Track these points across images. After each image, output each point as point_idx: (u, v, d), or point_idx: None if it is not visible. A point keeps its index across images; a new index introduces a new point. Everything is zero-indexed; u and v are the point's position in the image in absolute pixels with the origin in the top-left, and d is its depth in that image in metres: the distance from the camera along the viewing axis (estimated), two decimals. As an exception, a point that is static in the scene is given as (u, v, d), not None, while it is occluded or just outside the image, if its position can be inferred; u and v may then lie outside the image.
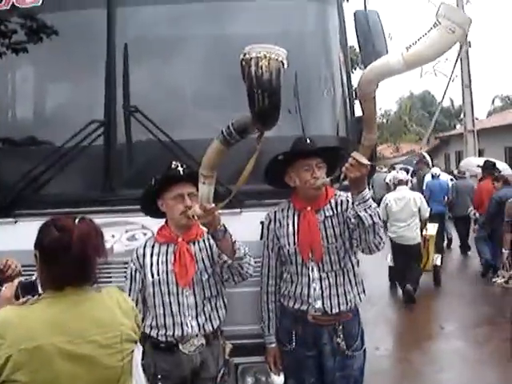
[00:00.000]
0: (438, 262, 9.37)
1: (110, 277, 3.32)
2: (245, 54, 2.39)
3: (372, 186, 18.60)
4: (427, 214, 8.55)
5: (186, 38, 3.63)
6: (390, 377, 5.59)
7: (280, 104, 2.45)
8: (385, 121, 48.22)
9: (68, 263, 1.95)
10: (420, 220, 8.34)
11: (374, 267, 10.26)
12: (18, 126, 3.80)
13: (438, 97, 49.56)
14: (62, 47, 3.57)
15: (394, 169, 17.58)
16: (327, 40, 3.70)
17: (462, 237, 12.07)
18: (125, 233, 3.37)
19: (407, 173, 11.63)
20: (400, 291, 8.58)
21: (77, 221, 2.04)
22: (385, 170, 19.27)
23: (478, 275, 9.94)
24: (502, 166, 11.41)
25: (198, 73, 3.65)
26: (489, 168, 10.23)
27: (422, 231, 8.57)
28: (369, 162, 2.65)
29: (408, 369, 5.78)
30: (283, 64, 2.41)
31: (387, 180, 17.14)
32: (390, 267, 9.26)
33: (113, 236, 3.36)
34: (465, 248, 12.08)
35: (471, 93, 17.25)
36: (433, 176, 11.80)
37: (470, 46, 16.90)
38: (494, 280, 9.07)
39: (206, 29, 3.61)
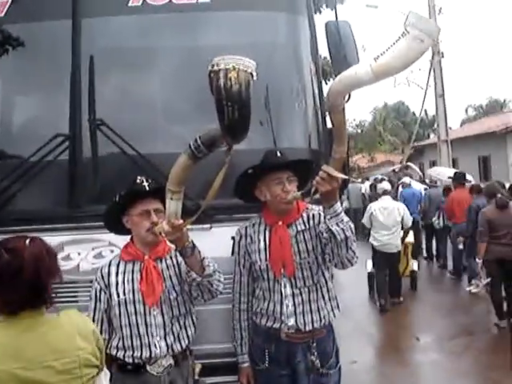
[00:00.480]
0: (415, 268, 9.71)
1: (77, 296, 3.23)
2: (213, 66, 2.33)
3: (347, 197, 18.69)
4: (410, 223, 8.82)
5: (153, 50, 3.55)
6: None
7: (250, 116, 2.40)
8: (359, 131, 48.64)
9: (20, 287, 1.87)
10: (402, 228, 8.65)
11: (351, 278, 10.40)
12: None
13: (411, 107, 50.20)
14: (26, 59, 3.48)
15: (367, 180, 17.66)
16: (298, 51, 3.65)
17: (430, 245, 12.62)
18: (91, 250, 3.27)
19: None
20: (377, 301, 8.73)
21: (27, 242, 1.94)
22: (359, 180, 19.38)
23: (454, 283, 10.02)
24: (469, 177, 11.63)
25: (166, 85, 3.57)
26: (460, 179, 10.47)
27: (403, 239, 8.93)
28: (340, 175, 2.58)
29: (385, 382, 5.71)
30: (252, 76, 2.36)
31: (363, 191, 17.29)
32: (369, 274, 9.54)
33: (79, 254, 3.27)
34: (436, 256, 12.49)
35: (444, 103, 17.39)
36: (403, 185, 12.01)
37: (442, 57, 17.02)
38: (468, 289, 9.25)
39: (174, 40, 3.56)
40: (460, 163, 22.02)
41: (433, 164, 23.49)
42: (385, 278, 8.76)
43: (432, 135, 39.31)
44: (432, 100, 17.90)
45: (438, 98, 17.16)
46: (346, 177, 2.63)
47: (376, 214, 8.62)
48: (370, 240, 8.77)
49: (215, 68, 2.31)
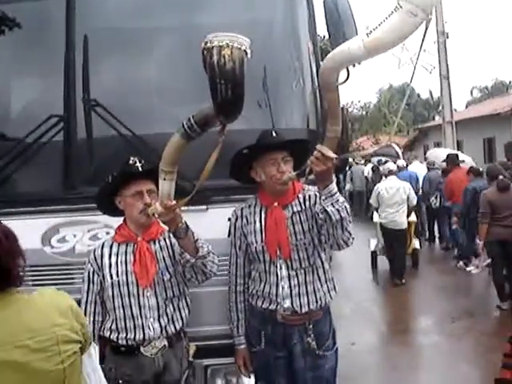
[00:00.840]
0: (417, 246, 10.11)
1: (73, 278, 3.22)
2: (206, 43, 2.28)
3: (351, 179, 18.67)
4: (415, 202, 9.26)
5: (148, 29, 3.49)
6: (367, 372, 5.51)
7: (243, 95, 2.35)
8: (364, 113, 48.43)
9: None
10: (408, 207, 9.07)
11: (353, 259, 10.57)
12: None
13: (417, 88, 49.83)
14: (20, 39, 3.44)
15: (370, 162, 17.57)
16: (295, 29, 3.59)
17: (431, 226, 12.71)
18: (87, 232, 3.25)
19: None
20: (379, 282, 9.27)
21: None
22: (362, 162, 19.28)
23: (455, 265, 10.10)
24: (467, 159, 11.83)
25: (161, 65, 3.53)
26: (453, 160, 10.67)
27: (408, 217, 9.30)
28: (334, 155, 2.54)
29: (385, 364, 5.71)
30: (246, 53, 2.30)
31: (365, 174, 17.22)
32: (372, 253, 10.04)
33: (74, 236, 3.26)
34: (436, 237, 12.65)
35: (449, 84, 17.22)
36: (399, 168, 11.80)
37: (447, 37, 16.87)
38: (468, 269, 9.52)
39: (169, 19, 3.50)
40: (465, 145, 21.90)
41: (437, 146, 23.38)
42: (393, 254, 9.30)
43: (437, 117, 39.08)
44: (437, 81, 17.76)
45: (442, 79, 17.01)
46: (342, 156, 2.58)
47: (383, 193, 9.05)
48: (379, 218, 9.31)
49: (208, 45, 2.26)
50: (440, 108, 23.12)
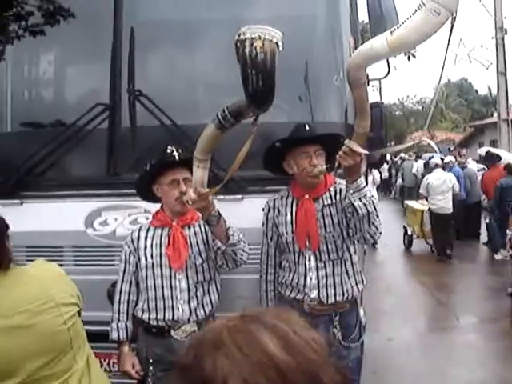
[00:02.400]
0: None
1: (113, 259, 3.34)
2: (239, 35, 2.34)
3: (402, 175, 18.46)
4: (457, 190, 10.77)
5: (193, 22, 3.59)
6: (402, 368, 5.51)
7: (274, 86, 2.40)
8: (420, 108, 47.51)
9: None
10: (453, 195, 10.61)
11: (393, 254, 11.05)
12: (23, 110, 3.83)
13: (475, 84, 48.55)
14: (68, 30, 3.57)
15: (420, 158, 17.32)
16: (337, 24, 3.61)
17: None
18: (127, 216, 3.39)
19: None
20: (416, 279, 9.49)
21: None
22: (413, 158, 19.03)
23: (502, 264, 9.87)
24: (508, 156, 11.79)
25: (204, 57, 3.61)
26: (490, 158, 11.36)
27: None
28: (362, 150, 2.59)
29: (421, 360, 5.69)
30: (278, 46, 2.35)
31: (414, 170, 17.08)
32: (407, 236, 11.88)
33: (116, 219, 3.39)
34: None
35: (506, 80, 16.74)
36: (448, 164, 12.10)
37: (506, 33, 16.38)
38: (496, 258, 10.10)
39: (213, 13, 3.57)
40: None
41: (493, 143, 22.78)
42: (441, 236, 10.65)
43: (495, 114, 38.02)
44: (494, 78, 17.29)
45: (499, 75, 16.56)
46: (365, 151, 2.61)
47: (432, 183, 10.60)
48: (429, 205, 10.80)
49: (241, 37, 2.31)
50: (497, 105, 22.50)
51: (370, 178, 8.66)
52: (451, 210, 10.55)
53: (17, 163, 3.43)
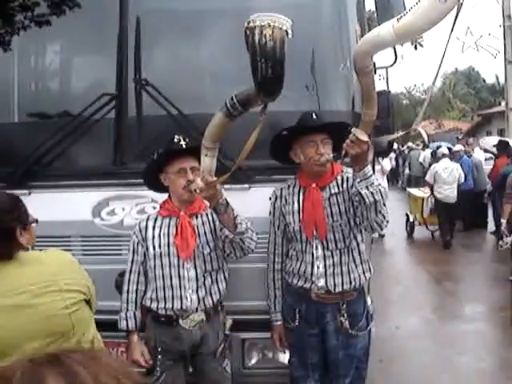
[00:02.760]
0: None
1: (120, 249, 3.36)
2: (249, 23, 2.32)
3: (409, 164, 18.43)
4: (462, 180, 10.94)
5: (198, 12, 3.57)
6: (408, 356, 5.52)
7: (283, 74, 2.38)
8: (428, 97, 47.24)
9: None
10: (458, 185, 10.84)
11: (400, 244, 11.18)
12: (30, 100, 3.82)
13: (482, 73, 48.25)
14: (74, 20, 3.56)
15: (427, 147, 17.26)
16: (343, 13, 3.58)
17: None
18: (135, 206, 3.40)
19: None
20: (423, 267, 9.51)
21: None
22: (421, 147, 18.95)
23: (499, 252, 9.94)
24: None
25: (210, 47, 3.60)
26: (502, 147, 11.25)
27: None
28: (368, 139, 2.58)
29: (427, 348, 5.70)
30: (287, 33, 2.33)
31: (420, 159, 17.06)
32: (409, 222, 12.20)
33: (123, 209, 3.40)
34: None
35: (514, 69, 16.66)
36: (455, 153, 12.23)
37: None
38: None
39: (219, 2, 3.56)
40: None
41: (501, 133, 22.66)
42: (447, 222, 10.93)
43: (503, 103, 37.78)
44: (502, 66, 17.17)
45: (507, 63, 16.44)
46: (370, 140, 2.61)
47: (440, 172, 10.81)
48: (434, 193, 11.00)
49: (251, 25, 2.29)
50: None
51: (377, 167, 8.74)
52: (456, 200, 10.81)
53: (25, 153, 3.43)
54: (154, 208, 3.32)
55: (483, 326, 6.36)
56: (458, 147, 12.75)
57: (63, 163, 3.48)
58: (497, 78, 43.71)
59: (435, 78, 2.50)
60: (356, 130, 2.57)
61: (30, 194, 3.39)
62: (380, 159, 9.65)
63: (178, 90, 3.43)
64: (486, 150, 12.60)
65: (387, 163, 11.55)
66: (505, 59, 16.42)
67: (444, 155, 11.22)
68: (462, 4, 1.95)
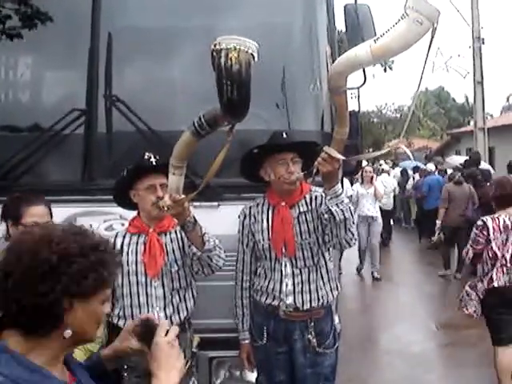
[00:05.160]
0: None
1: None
2: (215, 45, 2.35)
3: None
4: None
5: (170, 29, 3.61)
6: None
7: (249, 96, 2.41)
8: (398, 116, 47.93)
9: None
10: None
11: None
12: (-2, 112, 3.79)
13: (452, 93, 49.17)
14: (45, 34, 3.55)
15: (397, 165, 17.48)
16: (314, 33, 3.66)
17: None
18: (103, 222, 3.37)
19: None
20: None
21: None
22: (390, 165, 19.16)
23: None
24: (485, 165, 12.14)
25: (179, 65, 3.63)
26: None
27: None
28: (341, 156, 2.61)
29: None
30: (253, 56, 2.36)
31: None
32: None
33: (91, 225, 3.34)
34: None
35: (483, 90, 16.94)
36: (427, 173, 12.63)
37: (483, 43, 16.62)
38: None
39: (189, 21, 3.60)
40: (497, 152, 21.55)
41: (469, 152, 23.06)
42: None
43: (472, 122, 38.50)
44: (471, 86, 17.52)
45: (476, 84, 16.79)
46: (344, 158, 2.64)
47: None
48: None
49: (217, 47, 2.31)
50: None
51: (370, 190, 9.17)
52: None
53: (-9, 167, 3.39)
54: (123, 225, 3.29)
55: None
56: (430, 166, 13.05)
57: (30, 178, 3.44)
58: (466, 98, 44.58)
59: (414, 99, 2.56)
60: (328, 147, 2.60)
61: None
62: (375, 180, 9.65)
63: (147, 106, 3.44)
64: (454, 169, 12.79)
65: (380, 186, 10.19)
66: (474, 80, 16.75)
67: (383, 171, 13.85)
68: (436, 28, 2.00)
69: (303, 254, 3.04)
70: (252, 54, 2.32)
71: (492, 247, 4.47)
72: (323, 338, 3.07)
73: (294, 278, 3.04)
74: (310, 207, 3.04)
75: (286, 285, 3.04)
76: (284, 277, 3.05)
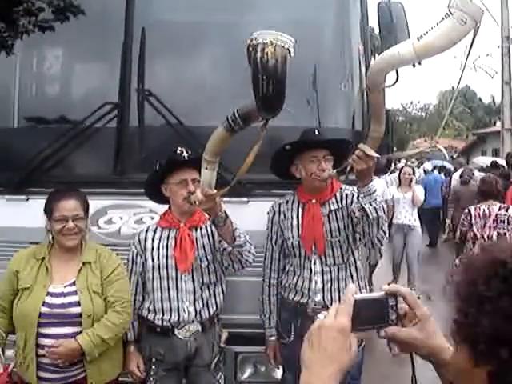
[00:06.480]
0: None
1: (117, 259, 3.35)
2: (251, 40, 2.34)
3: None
4: None
5: (203, 24, 3.60)
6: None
7: (284, 91, 2.40)
8: (423, 114, 47.56)
9: None
10: None
11: None
12: (32, 106, 3.83)
13: (479, 93, 48.59)
14: (79, 29, 3.59)
15: (422, 164, 17.33)
16: (347, 31, 3.63)
17: None
18: (133, 215, 3.40)
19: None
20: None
21: None
22: (415, 164, 18.99)
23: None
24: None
25: (213, 59, 3.63)
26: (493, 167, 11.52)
27: None
28: (376, 154, 2.60)
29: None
30: (290, 52, 2.35)
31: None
32: None
33: (121, 218, 3.40)
34: None
35: (510, 90, 16.76)
36: (425, 172, 12.97)
37: (511, 43, 16.41)
38: None
39: (224, 15, 3.59)
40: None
41: (496, 152, 22.80)
42: None
43: (498, 123, 38.02)
44: (498, 86, 17.33)
45: (504, 84, 16.57)
46: (379, 156, 2.63)
47: None
48: None
49: (253, 42, 2.30)
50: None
51: (407, 195, 8.10)
52: None
53: (24, 159, 3.44)
54: (152, 218, 3.32)
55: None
56: (427, 166, 13.85)
57: (63, 170, 3.48)
58: (493, 98, 44.05)
59: (454, 96, 2.55)
60: (363, 145, 2.59)
61: (27, 199, 3.39)
62: (413, 185, 8.28)
63: (180, 101, 3.46)
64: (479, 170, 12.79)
65: (420, 190, 8.56)
66: (502, 80, 16.55)
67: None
68: (479, 27, 2.00)
69: (333, 251, 3.03)
70: (288, 50, 2.31)
71: (473, 230, 5.92)
72: (350, 337, 3.06)
73: (323, 276, 3.04)
74: (340, 205, 3.04)
75: (316, 282, 3.03)
76: (313, 274, 3.05)
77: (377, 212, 2.77)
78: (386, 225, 2.90)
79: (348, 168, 2.72)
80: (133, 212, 3.39)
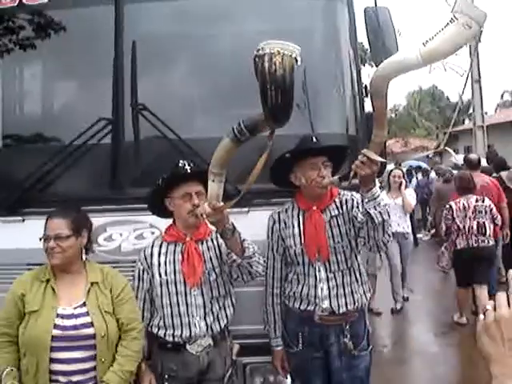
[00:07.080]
0: None
1: (118, 275, 3.32)
2: (258, 50, 2.34)
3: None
4: None
5: (195, 36, 3.60)
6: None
7: (292, 101, 2.40)
8: (393, 115, 48.04)
9: None
10: None
11: None
12: (25, 124, 3.78)
13: (446, 92, 49.27)
14: (70, 44, 3.56)
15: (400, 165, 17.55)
16: (337, 37, 3.65)
17: None
18: (133, 231, 3.36)
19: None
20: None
21: None
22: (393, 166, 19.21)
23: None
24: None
25: (207, 71, 3.62)
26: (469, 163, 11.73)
27: None
28: (381, 159, 2.61)
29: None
30: (297, 61, 2.36)
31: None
32: None
33: (121, 235, 3.37)
34: None
35: (480, 88, 17.07)
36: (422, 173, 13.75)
37: (479, 41, 16.69)
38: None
39: (216, 26, 3.58)
40: (496, 149, 21.63)
41: (467, 150, 23.16)
42: None
43: (467, 121, 38.62)
44: (468, 85, 17.59)
45: (474, 83, 16.85)
46: (385, 160, 2.65)
47: None
48: None
49: (260, 52, 2.30)
50: (470, 111, 22.91)
51: (397, 201, 7.58)
52: None
53: (19, 179, 3.39)
54: (153, 233, 3.30)
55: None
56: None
57: (59, 189, 3.43)
58: (460, 96, 44.68)
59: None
60: (367, 150, 2.60)
61: (23, 221, 3.34)
62: (403, 190, 7.81)
63: (174, 114, 3.44)
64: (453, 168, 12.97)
65: (411, 195, 8.20)
66: (471, 78, 16.80)
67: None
68: (482, 31, 2.04)
69: (337, 257, 3.05)
70: (295, 58, 2.32)
71: (456, 222, 6.56)
72: (358, 341, 3.08)
73: (328, 282, 3.05)
74: (341, 211, 3.05)
75: (321, 289, 3.04)
76: (318, 281, 3.05)
77: (382, 216, 2.79)
78: (390, 228, 2.92)
79: (352, 173, 2.73)
80: (133, 228, 3.35)
